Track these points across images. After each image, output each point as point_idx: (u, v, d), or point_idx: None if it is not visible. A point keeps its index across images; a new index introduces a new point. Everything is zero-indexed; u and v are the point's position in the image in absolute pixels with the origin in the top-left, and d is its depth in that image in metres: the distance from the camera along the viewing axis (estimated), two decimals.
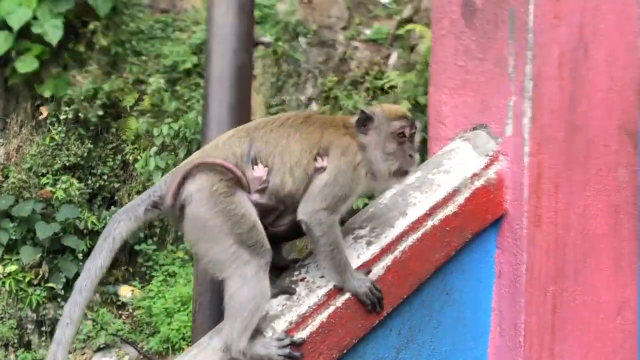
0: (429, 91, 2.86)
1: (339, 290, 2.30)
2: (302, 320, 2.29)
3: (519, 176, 2.48)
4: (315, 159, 2.34)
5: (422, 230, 2.35)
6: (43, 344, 6.67)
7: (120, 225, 2.26)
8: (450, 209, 2.41)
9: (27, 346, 6.47)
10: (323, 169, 2.32)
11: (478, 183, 2.47)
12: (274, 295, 2.35)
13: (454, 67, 2.71)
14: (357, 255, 2.34)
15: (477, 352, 2.49)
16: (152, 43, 7.44)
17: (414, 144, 2.39)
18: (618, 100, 2.64)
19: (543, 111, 2.48)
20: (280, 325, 2.28)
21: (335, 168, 2.32)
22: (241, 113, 3.86)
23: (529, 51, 2.51)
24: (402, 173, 2.35)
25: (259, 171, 2.27)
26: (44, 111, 6.92)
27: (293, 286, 2.39)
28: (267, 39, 6.11)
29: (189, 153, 7.16)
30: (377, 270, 2.31)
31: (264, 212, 2.31)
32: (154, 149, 7.74)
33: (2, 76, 6.54)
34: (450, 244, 2.38)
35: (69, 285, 6.70)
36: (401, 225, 2.34)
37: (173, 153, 7.70)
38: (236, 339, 2.21)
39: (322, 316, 2.29)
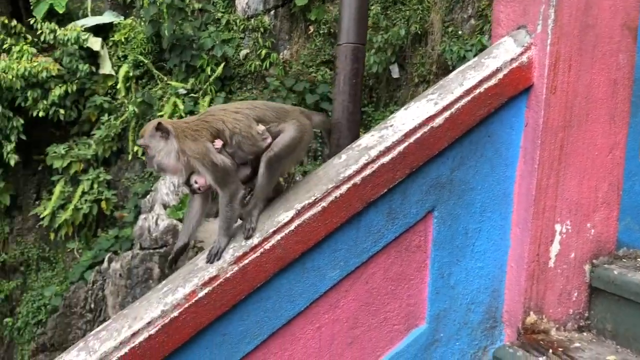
0: (493, 4, 3.24)
1: None
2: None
3: (543, 60, 2.93)
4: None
5: (472, 95, 2.88)
6: None
7: None
8: (493, 81, 2.90)
9: None
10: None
11: (514, 64, 2.93)
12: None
13: None
14: (427, 112, 2.85)
15: (508, 173, 3.01)
16: None
17: None
18: (622, 5, 2.98)
19: (563, 15, 2.90)
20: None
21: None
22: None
23: None
24: None
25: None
26: (311, 28, 10.73)
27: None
28: None
29: None
30: (439, 120, 2.85)
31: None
32: None
33: (288, 8, 10.75)
34: (491, 104, 2.90)
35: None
36: (458, 91, 2.89)
37: None
38: None
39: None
